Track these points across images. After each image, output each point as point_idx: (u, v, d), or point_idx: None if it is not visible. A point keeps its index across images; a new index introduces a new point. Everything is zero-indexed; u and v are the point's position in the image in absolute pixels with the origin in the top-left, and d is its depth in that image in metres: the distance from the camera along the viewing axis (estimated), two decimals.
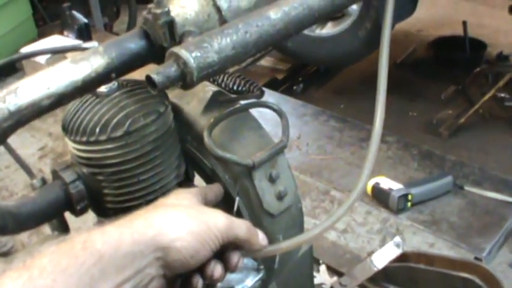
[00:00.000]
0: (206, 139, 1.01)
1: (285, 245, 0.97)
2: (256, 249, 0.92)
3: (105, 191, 1.01)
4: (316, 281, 1.75)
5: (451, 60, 4.20)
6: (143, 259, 0.80)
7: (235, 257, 0.90)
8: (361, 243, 2.01)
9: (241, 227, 0.90)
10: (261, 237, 0.93)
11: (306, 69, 4.43)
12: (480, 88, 3.93)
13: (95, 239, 0.78)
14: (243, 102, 1.10)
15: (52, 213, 1.01)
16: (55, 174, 1.03)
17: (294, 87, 4.26)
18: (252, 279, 1.02)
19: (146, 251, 0.80)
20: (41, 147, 2.94)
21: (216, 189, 1.04)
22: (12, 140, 0.92)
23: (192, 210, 0.88)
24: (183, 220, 0.84)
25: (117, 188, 1.01)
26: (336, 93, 4.16)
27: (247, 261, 1.04)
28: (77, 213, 1.02)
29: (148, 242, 0.80)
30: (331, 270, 1.83)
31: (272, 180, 1.05)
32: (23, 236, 1.91)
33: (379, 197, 2.19)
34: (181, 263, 0.83)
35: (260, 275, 1.04)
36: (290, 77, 4.37)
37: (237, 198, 1.03)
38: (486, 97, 3.74)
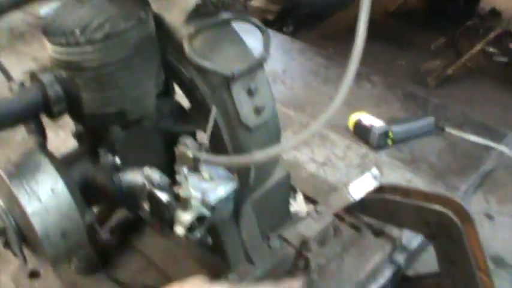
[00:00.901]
0: (186, 47, 1.01)
1: (258, 155, 0.97)
2: None
3: (83, 95, 1.01)
4: (293, 209, 1.76)
5: (443, 11, 4.17)
6: None
7: None
8: (339, 177, 2.02)
9: None
10: None
11: (296, 11, 4.38)
12: (470, 41, 3.91)
13: None
14: (225, 15, 1.10)
15: (29, 114, 1.01)
16: (33, 76, 1.03)
17: (284, 29, 4.21)
18: (224, 188, 1.01)
19: None
20: (25, 71, 2.91)
21: None
22: None
23: None
24: None
25: (94, 92, 1.01)
26: (325, 38, 4.12)
27: (221, 172, 1.03)
28: (54, 115, 1.02)
29: None
30: (309, 200, 1.85)
31: (251, 93, 1.05)
32: None
33: (360, 132, 2.19)
34: None
35: (233, 185, 1.03)
36: (280, 19, 4.32)
37: (214, 108, 1.02)
38: (475, 50, 3.74)
